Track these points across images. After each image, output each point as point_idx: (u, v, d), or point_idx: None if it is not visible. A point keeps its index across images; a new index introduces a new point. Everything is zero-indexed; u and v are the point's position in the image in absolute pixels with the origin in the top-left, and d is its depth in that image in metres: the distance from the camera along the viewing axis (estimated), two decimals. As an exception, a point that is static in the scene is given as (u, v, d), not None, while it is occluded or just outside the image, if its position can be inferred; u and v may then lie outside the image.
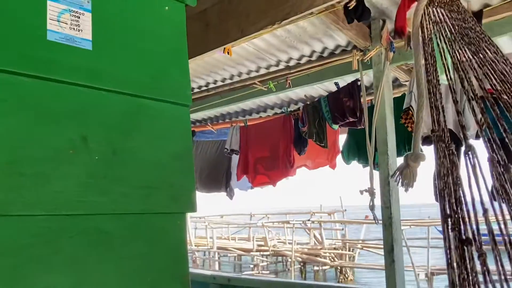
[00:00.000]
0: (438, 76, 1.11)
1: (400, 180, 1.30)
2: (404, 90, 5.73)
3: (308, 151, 6.39)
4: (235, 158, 7.25)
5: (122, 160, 1.48)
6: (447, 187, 1.12)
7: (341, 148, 6.37)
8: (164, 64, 1.67)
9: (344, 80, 5.63)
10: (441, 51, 1.13)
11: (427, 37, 1.16)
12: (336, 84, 5.59)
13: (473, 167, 1.07)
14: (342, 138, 6.46)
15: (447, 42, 1.15)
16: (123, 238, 1.45)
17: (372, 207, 4.30)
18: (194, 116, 7.53)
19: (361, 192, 4.28)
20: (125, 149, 1.50)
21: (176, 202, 1.58)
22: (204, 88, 6.45)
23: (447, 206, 1.08)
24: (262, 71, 5.80)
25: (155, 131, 1.59)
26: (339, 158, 6.47)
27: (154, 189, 1.54)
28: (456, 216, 1.05)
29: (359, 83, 5.18)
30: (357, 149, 6.14)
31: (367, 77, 5.68)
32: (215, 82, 6.26)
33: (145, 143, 1.55)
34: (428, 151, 4.40)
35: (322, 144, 5.99)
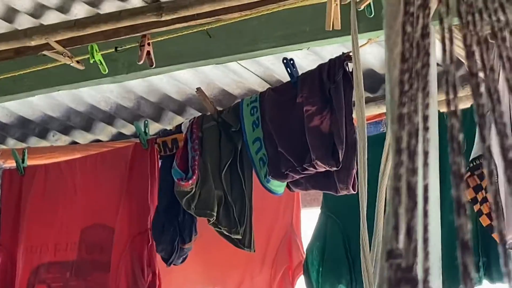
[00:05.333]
0: (427, 82, 0.56)
1: None
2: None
3: (219, 257, 2.73)
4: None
5: None
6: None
7: (304, 252, 2.66)
8: None
9: (316, 55, 2.64)
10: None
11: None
12: (287, 63, 2.44)
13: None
14: (309, 224, 2.78)
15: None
16: None
17: None
18: None
19: None
20: None
21: None
22: None
23: None
24: (78, 13, 2.62)
25: None
26: (301, 282, 2.68)
27: None
28: None
29: (349, 67, 2.27)
30: (345, 257, 2.54)
31: (373, 50, 2.60)
32: None
33: None
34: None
35: (238, 237, 2.50)
